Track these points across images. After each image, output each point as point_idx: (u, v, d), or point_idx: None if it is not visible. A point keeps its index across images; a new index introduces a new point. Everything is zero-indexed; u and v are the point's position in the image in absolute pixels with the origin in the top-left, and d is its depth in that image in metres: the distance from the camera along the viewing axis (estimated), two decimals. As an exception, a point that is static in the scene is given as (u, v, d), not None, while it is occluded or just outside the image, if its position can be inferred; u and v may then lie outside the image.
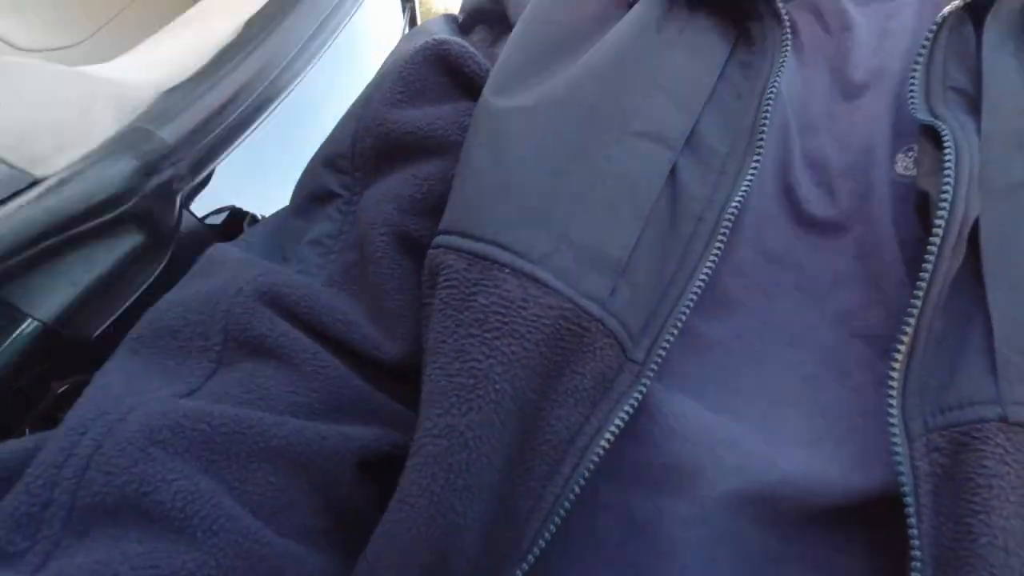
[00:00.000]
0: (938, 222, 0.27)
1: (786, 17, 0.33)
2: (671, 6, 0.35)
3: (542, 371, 0.27)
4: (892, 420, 0.25)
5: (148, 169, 0.38)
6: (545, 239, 0.28)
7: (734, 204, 0.29)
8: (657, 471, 0.28)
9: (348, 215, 0.36)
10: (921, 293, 0.26)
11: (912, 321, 0.26)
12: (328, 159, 0.37)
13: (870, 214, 0.31)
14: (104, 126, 0.38)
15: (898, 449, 0.25)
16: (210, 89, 0.42)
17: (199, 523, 0.24)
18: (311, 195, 0.37)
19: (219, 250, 0.34)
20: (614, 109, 0.31)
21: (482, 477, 0.26)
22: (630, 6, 0.36)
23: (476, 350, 0.27)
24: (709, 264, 0.29)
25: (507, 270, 0.27)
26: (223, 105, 0.43)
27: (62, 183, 0.34)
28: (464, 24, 0.42)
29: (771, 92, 0.32)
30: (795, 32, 0.36)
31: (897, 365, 0.26)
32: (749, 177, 0.30)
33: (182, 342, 0.29)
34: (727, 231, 0.29)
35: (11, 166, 0.34)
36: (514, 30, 0.36)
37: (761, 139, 0.31)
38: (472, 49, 0.37)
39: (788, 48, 0.32)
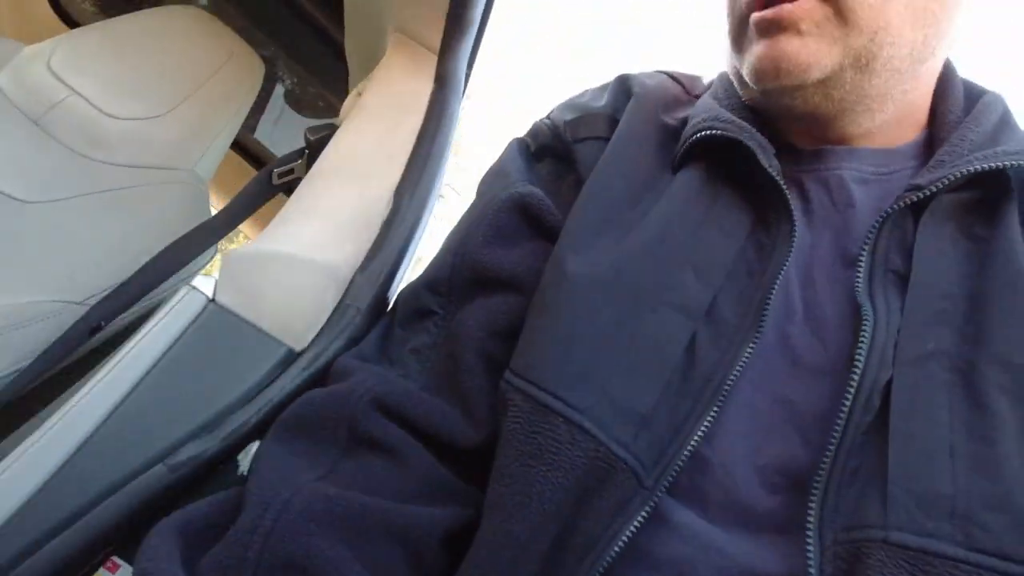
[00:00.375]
0: (850, 387, 0.34)
1: (796, 219, 0.40)
2: (706, 181, 0.43)
3: (577, 494, 0.35)
4: (809, 533, 0.32)
5: (355, 340, 0.52)
6: (589, 395, 0.36)
7: (737, 369, 0.37)
8: (663, 562, 0.35)
9: (442, 329, 0.45)
10: (835, 439, 0.33)
11: (828, 459, 0.33)
12: (430, 284, 0.47)
13: (849, 365, 0.36)
14: (328, 304, 0.52)
15: (810, 555, 0.31)
16: (385, 260, 0.56)
17: None
18: (414, 311, 0.46)
19: (343, 362, 0.45)
20: (653, 283, 0.39)
21: (525, 567, 0.34)
22: (674, 171, 0.45)
23: (533, 479, 0.35)
24: (712, 414, 0.36)
25: (560, 418, 0.36)
26: (393, 269, 0.57)
27: (316, 358, 0.49)
28: (536, 153, 0.51)
29: (778, 279, 0.38)
30: (807, 200, 0.43)
31: (816, 491, 0.33)
32: (751, 347, 0.37)
33: (317, 433, 0.39)
34: (730, 387, 0.36)
35: (281, 343, 0.48)
36: (583, 190, 0.44)
37: (764, 315, 0.38)
38: (548, 201, 0.46)
39: (793, 245, 0.39)
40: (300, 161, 0.75)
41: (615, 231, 0.42)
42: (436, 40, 0.78)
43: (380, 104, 0.73)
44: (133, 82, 0.84)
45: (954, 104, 0.45)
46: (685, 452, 0.35)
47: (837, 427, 0.33)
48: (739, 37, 0.43)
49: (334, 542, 0.33)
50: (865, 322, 0.35)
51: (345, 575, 0.33)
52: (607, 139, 0.47)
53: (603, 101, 0.51)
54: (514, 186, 0.47)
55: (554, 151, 0.50)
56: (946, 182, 0.37)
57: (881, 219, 0.38)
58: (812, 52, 0.39)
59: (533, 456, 0.35)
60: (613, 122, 0.49)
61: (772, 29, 0.40)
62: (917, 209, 0.38)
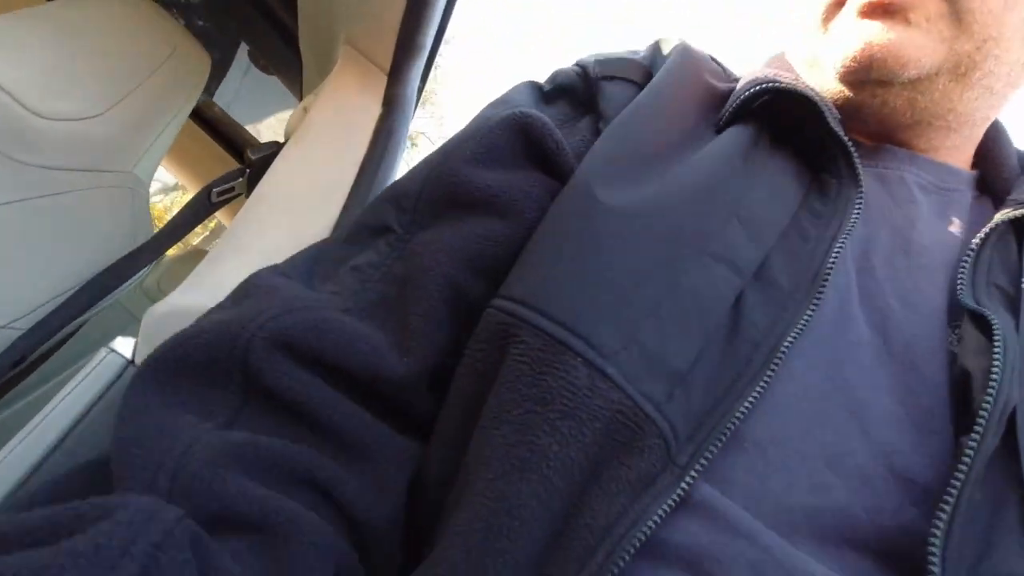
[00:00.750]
0: (985, 406, 0.28)
1: (862, 180, 0.36)
2: (756, 142, 0.39)
3: (593, 456, 0.28)
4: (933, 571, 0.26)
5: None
6: (617, 337, 0.30)
7: (790, 338, 0.31)
8: (690, 554, 0.28)
9: (396, 250, 0.37)
10: (965, 468, 0.28)
11: (954, 492, 0.27)
12: (394, 196, 0.39)
13: (917, 364, 0.33)
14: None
15: None
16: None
17: (276, 519, 0.26)
18: (366, 226, 0.39)
19: (256, 276, 0.36)
20: (696, 230, 0.34)
21: (520, 546, 0.27)
22: (718, 131, 0.40)
23: (538, 427, 0.28)
24: (760, 387, 0.30)
25: (579, 359, 0.29)
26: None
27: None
28: (548, 95, 0.45)
29: (840, 246, 0.34)
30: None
31: (938, 532, 0.27)
32: (807, 315, 0.32)
33: (205, 377, 0.30)
34: (783, 357, 0.31)
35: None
36: (613, 124, 0.39)
37: (824, 285, 0.33)
38: (552, 126, 0.39)
39: (860, 207, 0.35)
40: (241, 180, 0.74)
41: (650, 170, 0.37)
42: (386, 59, 0.76)
43: (325, 126, 0.71)
44: (68, 77, 0.80)
45: (1009, 148, 0.44)
46: (728, 425, 0.29)
47: (969, 452, 0.28)
48: (830, 16, 0.40)
49: (251, 482, 0.27)
50: (996, 334, 0.31)
51: (278, 505, 0.27)
52: (640, 86, 0.43)
53: (640, 55, 0.47)
54: (518, 108, 0.40)
55: (573, 92, 0.45)
56: None
57: (990, 230, 0.36)
58: (917, 47, 0.36)
59: (541, 401, 0.29)
60: (649, 75, 0.44)
61: (877, 12, 0.37)
62: (1017, 228, 0.37)
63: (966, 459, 0.28)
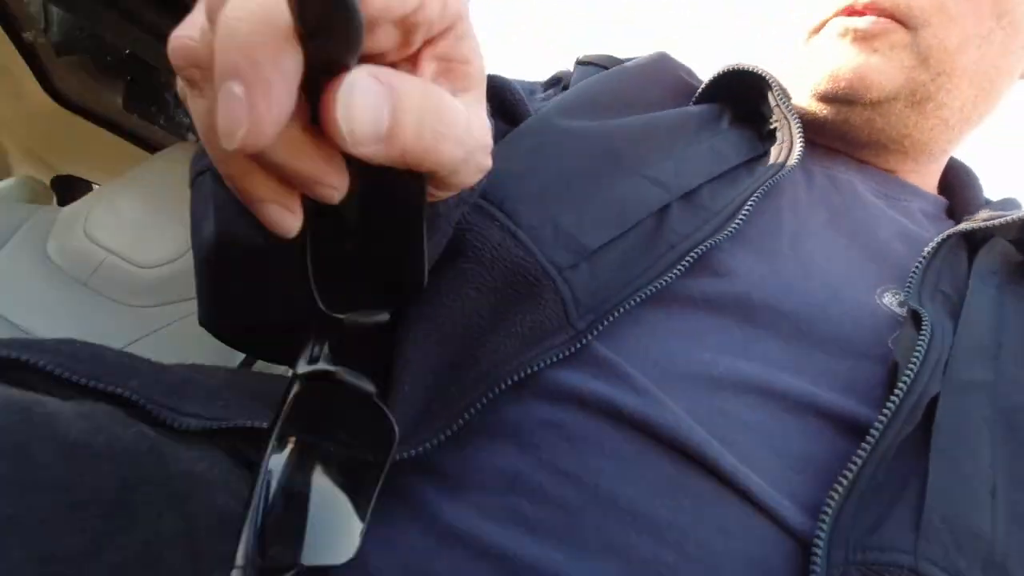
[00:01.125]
0: (896, 393, 0.30)
1: (802, 141, 0.39)
2: (718, 117, 0.42)
3: (492, 304, 0.32)
4: (818, 545, 0.27)
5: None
6: (537, 218, 0.33)
7: (705, 245, 0.34)
8: (573, 395, 0.31)
9: None
10: (868, 447, 0.28)
11: (855, 468, 0.28)
12: None
13: (831, 315, 0.34)
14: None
15: (817, 571, 0.26)
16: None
17: None
18: None
19: None
20: (634, 156, 0.37)
21: (421, 366, 0.31)
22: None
23: (447, 272, 0.32)
24: (666, 279, 0.33)
25: (497, 223, 0.33)
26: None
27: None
28: (546, 84, 0.51)
29: (769, 184, 0.37)
30: (811, 179, 0.41)
31: (833, 501, 0.28)
32: (727, 232, 0.35)
33: None
34: (691, 262, 0.33)
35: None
36: (582, 84, 0.44)
37: (747, 212, 0.36)
38: (513, 84, 0.44)
39: (799, 159, 0.38)
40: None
41: (607, 112, 0.41)
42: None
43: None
44: (157, 228, 0.95)
45: (978, 192, 0.47)
46: (629, 303, 0.32)
47: (874, 432, 0.29)
48: (817, 31, 0.43)
49: None
50: (924, 329, 0.32)
51: None
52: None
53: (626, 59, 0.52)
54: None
55: (561, 79, 0.50)
56: (1006, 222, 0.38)
57: (942, 240, 0.38)
58: (880, 72, 0.39)
59: (455, 252, 0.33)
60: None
61: (849, 34, 0.40)
62: (970, 244, 0.39)
63: (869, 440, 0.29)
